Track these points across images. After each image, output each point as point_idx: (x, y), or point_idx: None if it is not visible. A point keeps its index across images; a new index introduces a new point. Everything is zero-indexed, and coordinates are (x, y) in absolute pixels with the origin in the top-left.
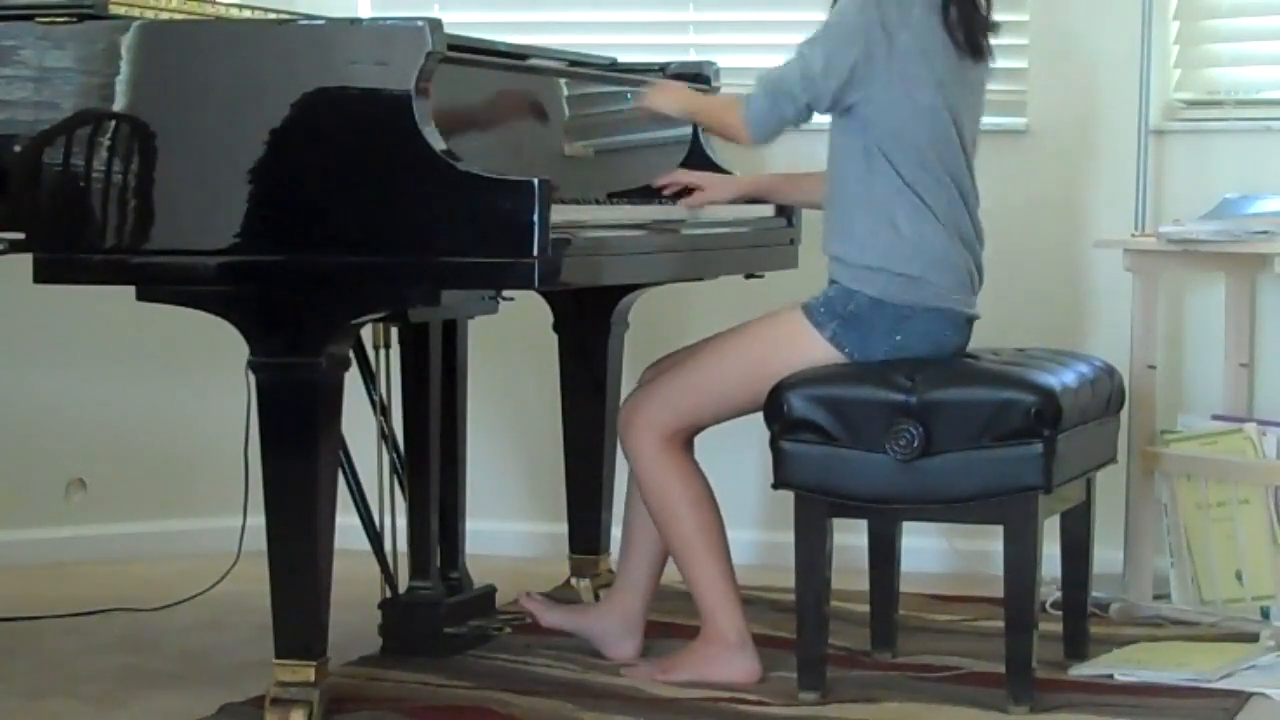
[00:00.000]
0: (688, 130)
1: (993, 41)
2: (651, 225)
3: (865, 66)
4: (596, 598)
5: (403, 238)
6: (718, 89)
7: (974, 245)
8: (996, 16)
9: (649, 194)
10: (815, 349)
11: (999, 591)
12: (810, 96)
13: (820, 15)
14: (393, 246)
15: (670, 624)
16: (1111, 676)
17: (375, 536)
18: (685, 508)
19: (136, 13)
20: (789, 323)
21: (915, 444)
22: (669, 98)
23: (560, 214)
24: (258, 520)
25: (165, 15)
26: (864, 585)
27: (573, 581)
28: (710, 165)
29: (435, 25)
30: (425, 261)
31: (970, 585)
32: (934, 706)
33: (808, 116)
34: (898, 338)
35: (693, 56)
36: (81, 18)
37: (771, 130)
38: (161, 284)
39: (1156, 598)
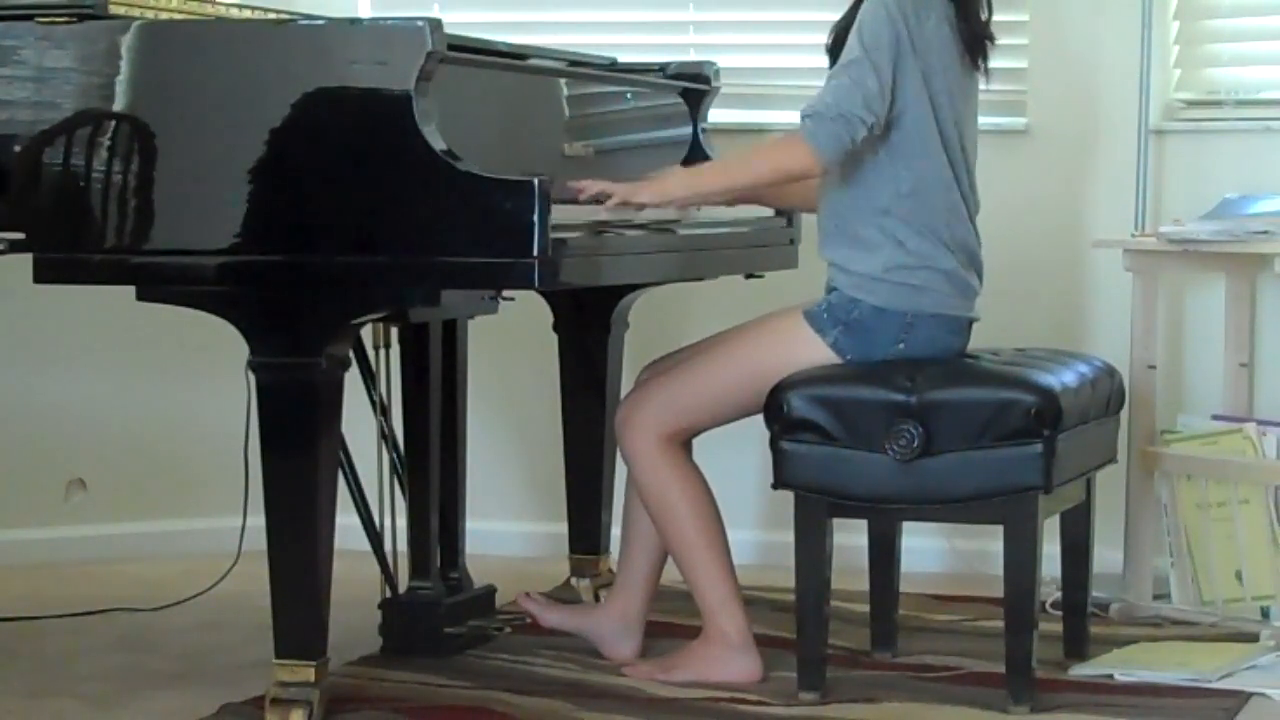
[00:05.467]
0: (687, 130)
1: (989, 51)
2: (651, 225)
3: (901, 79)
4: (597, 598)
5: (403, 238)
6: (717, 89)
7: (974, 252)
8: (996, 17)
9: None
10: (816, 354)
11: (999, 591)
12: (875, 117)
13: (819, 15)
14: (393, 246)
15: (670, 624)
16: (1111, 676)
17: (375, 536)
18: (685, 508)
19: (136, 13)
20: (789, 327)
21: (915, 444)
22: (686, 181)
23: (560, 214)
24: (258, 520)
25: (165, 15)
26: (864, 585)
27: (573, 581)
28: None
29: (435, 25)
30: (425, 261)
31: (970, 585)
32: (934, 706)
33: (869, 140)
34: (900, 345)
35: (693, 56)
36: (81, 18)
37: (841, 154)
38: (161, 284)
39: (1156, 598)
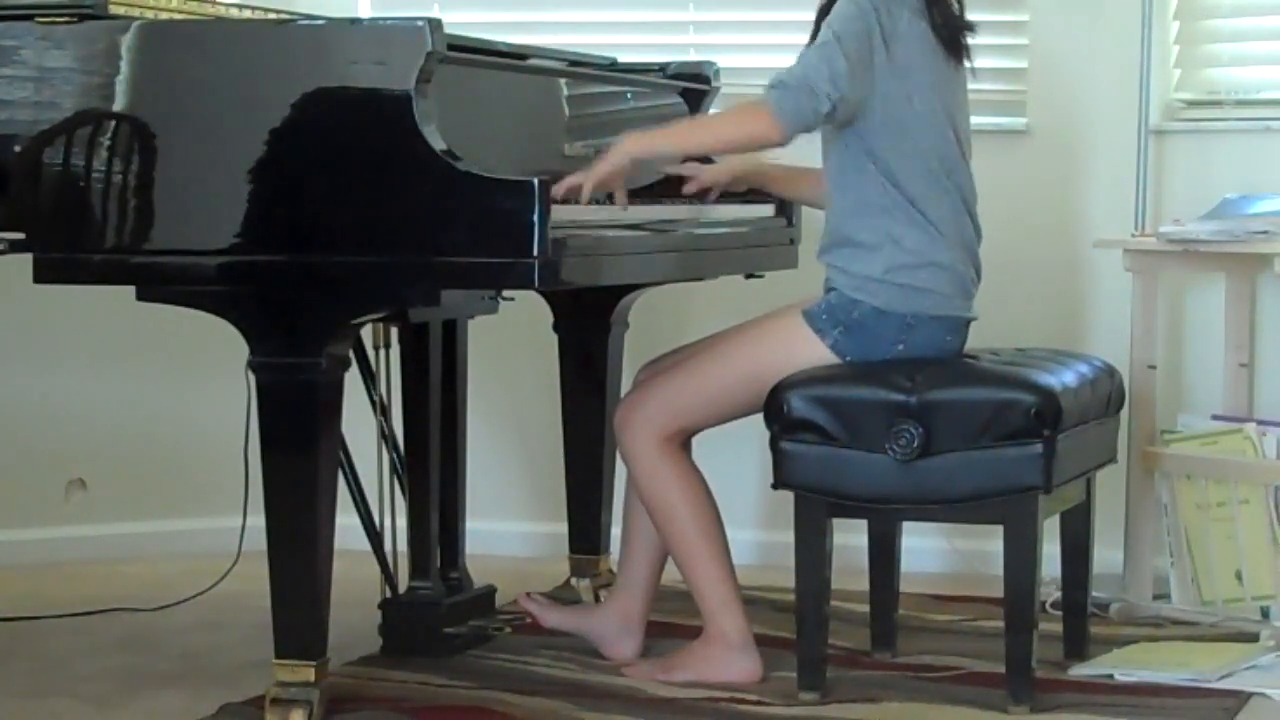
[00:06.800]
0: None
1: (971, 42)
2: (651, 225)
3: (872, 74)
4: (597, 598)
5: (403, 238)
6: (717, 89)
7: (973, 247)
8: (996, 17)
9: (649, 194)
10: (815, 355)
11: (999, 591)
12: (839, 95)
13: None
14: (393, 246)
15: (670, 624)
16: (1111, 676)
17: (375, 536)
18: (684, 508)
19: (136, 13)
20: (789, 327)
21: (915, 444)
22: (637, 140)
23: (560, 214)
24: (258, 520)
25: (165, 15)
26: (864, 585)
27: (573, 581)
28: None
29: (435, 25)
30: (425, 261)
31: (970, 585)
32: (934, 706)
33: (831, 119)
34: (900, 346)
35: (693, 56)
36: (81, 18)
37: (802, 125)
38: (161, 284)
39: (1156, 598)
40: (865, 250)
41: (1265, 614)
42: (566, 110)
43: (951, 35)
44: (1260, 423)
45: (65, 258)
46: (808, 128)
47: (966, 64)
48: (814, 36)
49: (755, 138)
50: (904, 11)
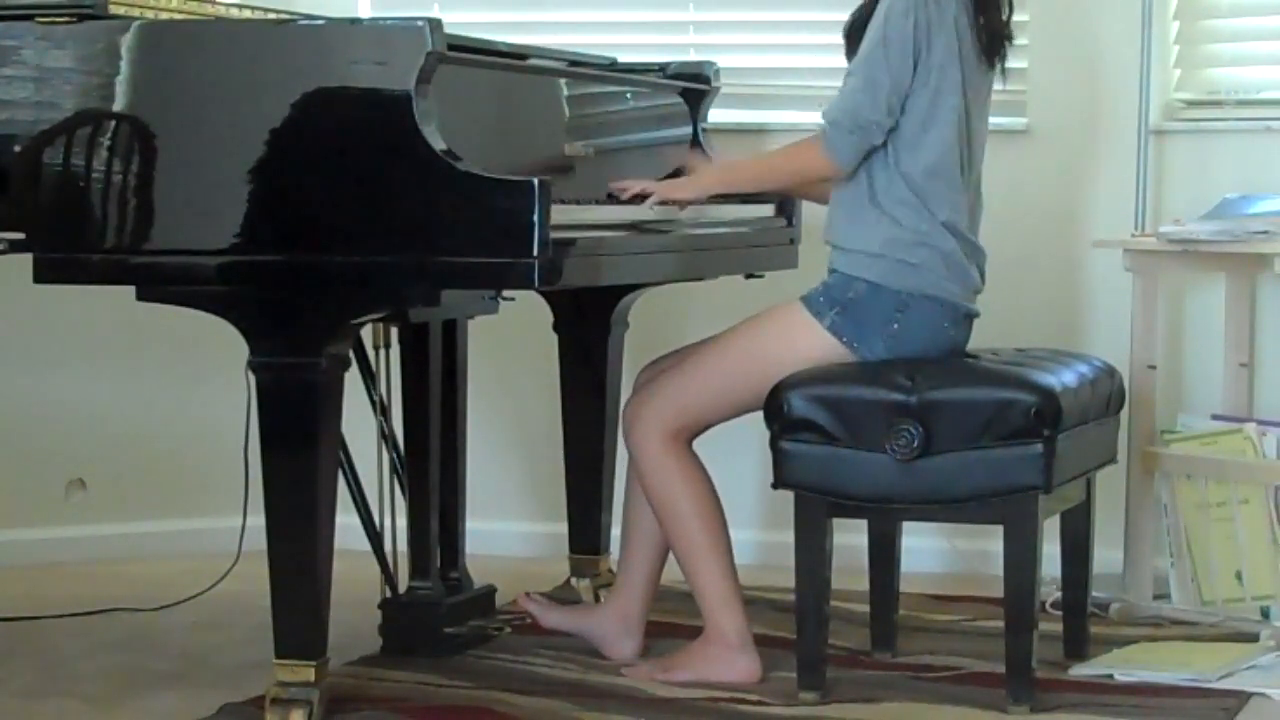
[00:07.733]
0: (687, 130)
1: (1007, 50)
2: (652, 225)
3: (913, 72)
4: (597, 598)
5: (403, 238)
6: (717, 89)
7: (975, 245)
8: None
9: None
10: (814, 339)
11: (999, 591)
12: (891, 119)
13: (819, 14)
14: (393, 246)
15: (670, 624)
16: (1111, 676)
17: (375, 536)
18: (688, 506)
19: (136, 13)
20: (788, 314)
21: (915, 444)
22: (720, 176)
23: (560, 214)
24: (258, 520)
25: (165, 15)
26: (864, 585)
27: (573, 581)
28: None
29: (435, 25)
30: (425, 261)
31: (970, 585)
32: (934, 706)
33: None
34: (895, 325)
35: (693, 56)
36: (81, 18)
37: (858, 160)
38: (161, 284)
39: (1156, 598)
40: (865, 227)
41: (1265, 614)
42: (566, 110)
43: (992, 39)
44: (1260, 423)
45: (65, 258)
46: (862, 157)
47: (996, 71)
48: (861, 11)
49: (816, 178)
50: (951, 5)
